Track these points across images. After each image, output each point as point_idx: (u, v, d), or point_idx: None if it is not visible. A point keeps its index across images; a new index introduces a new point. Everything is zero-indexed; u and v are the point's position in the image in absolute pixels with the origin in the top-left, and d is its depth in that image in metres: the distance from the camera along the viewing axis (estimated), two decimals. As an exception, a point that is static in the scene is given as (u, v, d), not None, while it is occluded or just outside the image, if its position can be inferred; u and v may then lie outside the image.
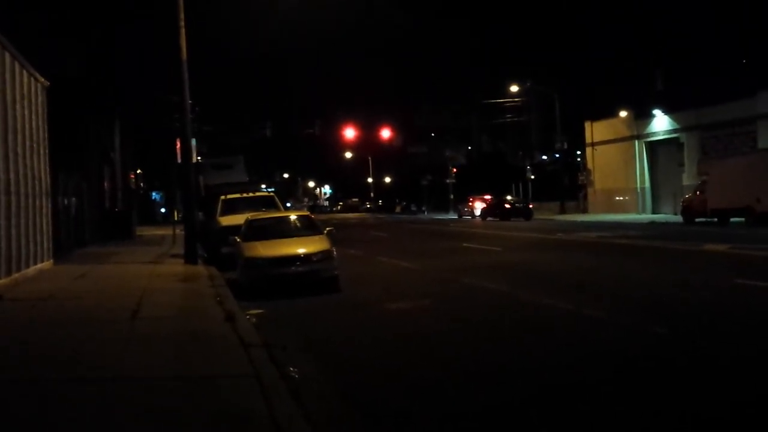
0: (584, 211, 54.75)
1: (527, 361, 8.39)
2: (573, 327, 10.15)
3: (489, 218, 50.72)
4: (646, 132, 48.58)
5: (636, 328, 9.78)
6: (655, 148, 48.62)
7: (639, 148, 49.23)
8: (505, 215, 49.22)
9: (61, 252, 20.63)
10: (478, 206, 56.84)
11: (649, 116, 48.01)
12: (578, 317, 10.76)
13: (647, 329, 9.60)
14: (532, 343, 9.29)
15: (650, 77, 50.12)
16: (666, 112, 46.74)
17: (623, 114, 50.85)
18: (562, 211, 55.37)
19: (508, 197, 51.18)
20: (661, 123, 47.35)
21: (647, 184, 48.85)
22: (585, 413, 6.38)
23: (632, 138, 49.69)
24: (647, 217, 43.80)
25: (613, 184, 51.68)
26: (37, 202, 17.51)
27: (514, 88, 65.32)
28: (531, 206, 51.36)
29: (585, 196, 55.95)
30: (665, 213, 45.22)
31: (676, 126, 45.83)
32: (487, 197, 57.41)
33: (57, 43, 28.14)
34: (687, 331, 9.53)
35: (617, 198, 50.85)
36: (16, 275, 15.06)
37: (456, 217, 61.33)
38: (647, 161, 48.97)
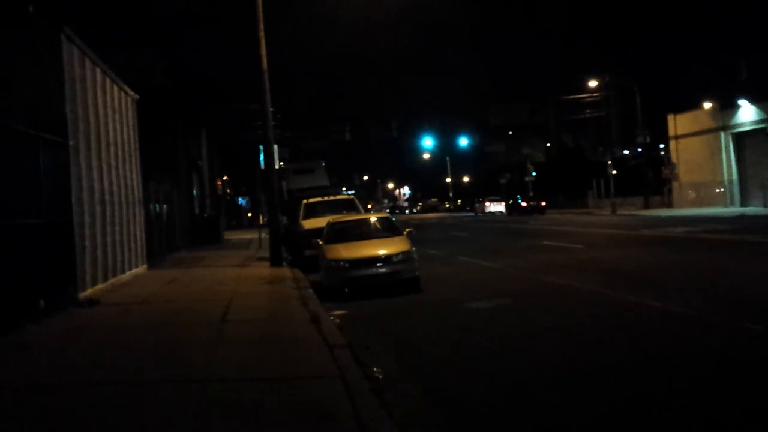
0: (669, 205, 53.45)
1: (619, 361, 8.19)
2: (664, 325, 9.96)
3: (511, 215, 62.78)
4: (732, 123, 47.05)
5: (730, 325, 9.53)
6: (742, 139, 47.04)
7: (725, 140, 47.69)
8: (523, 212, 61.54)
9: (153, 257, 21.34)
10: (488, 206, 74.96)
11: (735, 107, 46.44)
12: (669, 315, 10.53)
13: (741, 326, 9.37)
14: (622, 344, 9.08)
15: (734, 67, 48.51)
16: (752, 101, 45.17)
17: (707, 105, 49.37)
18: (646, 206, 54.22)
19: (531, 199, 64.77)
20: (747, 113, 45.78)
21: (735, 176, 47.29)
22: (693, 416, 6.30)
23: (717, 130, 48.20)
24: (736, 210, 42.43)
25: (698, 177, 50.26)
26: (131, 210, 18.25)
27: (592, 83, 64.19)
28: (543, 204, 63.05)
29: (670, 191, 54.60)
30: (755, 206, 43.70)
31: (764, 116, 44.23)
32: (495, 198, 77.16)
33: (143, 55, 29.19)
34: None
35: (704, 191, 49.43)
36: (112, 280, 15.76)
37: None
38: (734, 153, 47.39)
